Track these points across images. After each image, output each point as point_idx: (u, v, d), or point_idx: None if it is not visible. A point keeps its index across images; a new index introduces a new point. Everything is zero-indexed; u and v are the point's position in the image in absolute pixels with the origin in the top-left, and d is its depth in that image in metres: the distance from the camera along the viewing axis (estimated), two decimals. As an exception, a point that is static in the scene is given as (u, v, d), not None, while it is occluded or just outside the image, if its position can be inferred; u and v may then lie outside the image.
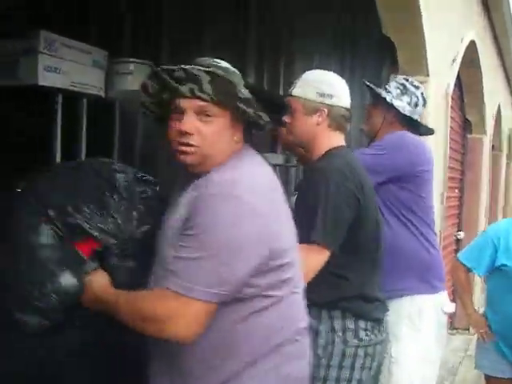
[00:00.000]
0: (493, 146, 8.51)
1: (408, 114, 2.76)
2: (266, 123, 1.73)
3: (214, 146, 1.65)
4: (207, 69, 1.61)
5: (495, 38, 7.71)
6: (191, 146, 1.62)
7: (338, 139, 2.22)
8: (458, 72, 5.08)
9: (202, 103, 1.63)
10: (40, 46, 3.12)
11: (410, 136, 2.76)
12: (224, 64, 1.73)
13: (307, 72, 2.28)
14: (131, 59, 3.88)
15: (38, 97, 3.42)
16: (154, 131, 3.47)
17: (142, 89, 1.73)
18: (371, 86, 2.82)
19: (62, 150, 3.41)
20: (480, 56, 6.25)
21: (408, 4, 3.17)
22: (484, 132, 7.17)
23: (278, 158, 4.01)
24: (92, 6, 4.68)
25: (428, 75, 3.44)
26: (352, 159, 2.21)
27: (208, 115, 1.64)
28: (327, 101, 2.17)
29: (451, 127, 5.03)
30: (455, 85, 5.17)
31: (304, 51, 4.19)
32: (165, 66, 1.64)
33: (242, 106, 1.65)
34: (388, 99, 2.73)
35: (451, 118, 4.84)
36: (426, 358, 2.73)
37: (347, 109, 2.23)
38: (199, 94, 1.61)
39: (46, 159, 3.36)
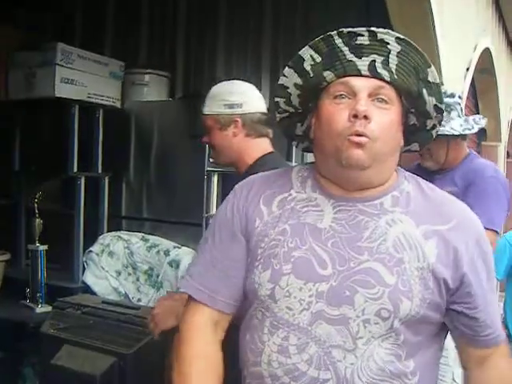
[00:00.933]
0: (507, 152, 8.48)
1: (467, 132, 2.65)
2: (433, 127, 1.38)
3: (388, 144, 1.28)
4: (397, 34, 1.25)
5: (510, 45, 7.70)
6: (367, 137, 1.23)
7: (262, 146, 2.14)
8: (473, 79, 5.09)
9: (381, 83, 1.26)
10: (57, 58, 3.18)
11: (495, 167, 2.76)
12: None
13: (213, 87, 2.20)
14: (147, 70, 3.93)
15: (56, 108, 3.48)
16: (170, 142, 3.55)
17: (292, 66, 1.31)
18: None
19: (79, 160, 3.47)
20: (495, 63, 6.25)
21: (421, 13, 3.19)
22: (499, 139, 7.16)
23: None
24: (109, 17, 4.77)
25: (442, 83, 3.45)
26: (281, 163, 2.14)
27: (384, 101, 1.27)
28: (238, 110, 2.09)
29: (465, 134, 5.03)
30: (469, 92, 5.18)
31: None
32: (343, 29, 1.25)
33: (425, 93, 1.29)
34: (449, 132, 2.58)
35: (465, 125, 4.84)
36: None
37: (263, 113, 2.14)
38: (381, 70, 1.25)
39: (64, 169, 3.42)
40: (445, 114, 2.38)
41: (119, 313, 2.80)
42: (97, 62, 3.46)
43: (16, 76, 3.29)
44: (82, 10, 4.88)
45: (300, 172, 1.42)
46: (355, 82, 1.25)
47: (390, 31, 1.23)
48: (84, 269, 3.47)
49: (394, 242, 1.28)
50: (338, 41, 1.25)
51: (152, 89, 3.89)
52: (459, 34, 4.07)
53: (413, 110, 1.34)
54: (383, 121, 1.25)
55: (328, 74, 1.28)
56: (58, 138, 3.49)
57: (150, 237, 3.47)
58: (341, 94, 1.27)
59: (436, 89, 1.28)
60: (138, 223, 3.68)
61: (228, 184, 3.40)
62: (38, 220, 3.39)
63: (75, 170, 3.40)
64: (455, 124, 2.60)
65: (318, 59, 1.28)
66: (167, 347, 2.60)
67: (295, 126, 1.44)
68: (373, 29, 1.23)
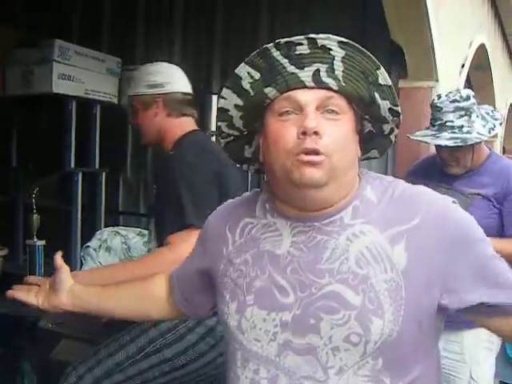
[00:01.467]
0: (504, 148, 8.51)
1: (493, 133, 2.59)
2: (391, 131, 1.26)
3: (345, 157, 1.17)
4: (340, 38, 1.14)
5: (506, 40, 7.73)
6: (320, 154, 1.13)
7: (185, 125, 2.15)
8: (468, 75, 5.11)
9: (329, 93, 1.16)
10: (54, 54, 3.19)
11: None
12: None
13: (137, 69, 2.25)
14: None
15: (54, 104, 3.49)
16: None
17: (230, 86, 1.20)
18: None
19: (76, 156, 3.48)
20: (490, 59, 6.27)
21: (416, 9, 3.20)
22: (495, 135, 7.18)
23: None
24: (106, 15, 4.78)
25: (437, 80, 3.47)
26: (205, 140, 2.18)
27: (335, 112, 1.17)
28: (160, 90, 2.11)
29: (461, 130, 5.05)
30: (465, 88, 5.20)
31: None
32: (280, 40, 1.14)
33: (378, 97, 1.19)
34: (479, 139, 2.51)
35: (461, 121, 4.86)
36: None
37: (185, 93, 2.16)
38: (327, 79, 1.15)
39: (61, 165, 3.44)
40: (466, 119, 2.39)
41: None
42: (94, 59, 3.47)
43: (14, 73, 3.30)
44: (80, 8, 4.90)
45: (264, 194, 1.32)
46: (300, 95, 1.15)
47: (330, 36, 1.13)
48: (82, 264, 3.48)
49: (357, 258, 1.17)
50: (276, 53, 1.14)
51: (149, 85, 3.90)
52: (455, 30, 4.10)
53: (367, 117, 1.24)
54: (336, 133, 1.14)
55: (270, 91, 1.17)
56: (56, 134, 3.49)
57: (147, 232, 3.48)
58: (287, 111, 1.16)
59: (388, 91, 1.17)
60: (135, 218, 3.71)
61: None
62: (35, 215, 3.39)
63: (72, 165, 3.41)
64: (479, 127, 2.54)
65: (257, 76, 1.17)
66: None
67: (243, 148, 1.32)
68: (312, 36, 1.12)
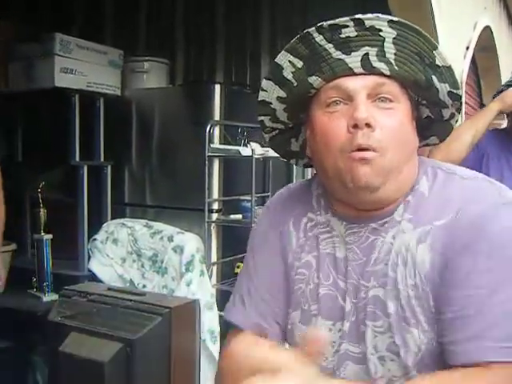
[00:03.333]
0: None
1: None
2: (452, 116, 1.15)
3: (401, 151, 1.07)
4: (390, 17, 1.03)
5: (511, 23, 7.67)
6: (373, 150, 1.03)
7: None
8: (474, 57, 5.07)
9: (380, 79, 1.06)
10: (56, 48, 3.19)
11: None
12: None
13: None
14: (146, 57, 3.93)
15: (57, 98, 3.49)
16: (171, 128, 3.56)
17: (271, 77, 1.12)
18: None
19: (81, 149, 3.48)
20: (496, 41, 6.23)
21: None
22: (502, 117, 7.13)
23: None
24: (108, 6, 4.78)
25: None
26: None
27: (388, 99, 1.06)
28: None
29: (467, 113, 5.03)
30: (472, 71, 5.17)
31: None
32: (323, 23, 1.04)
33: (436, 80, 1.07)
34: None
35: (466, 103, 4.85)
36: None
37: None
38: (378, 64, 1.05)
39: (65, 158, 3.44)
40: None
41: (124, 299, 2.81)
42: (96, 51, 3.46)
43: (16, 68, 3.31)
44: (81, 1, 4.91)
45: (317, 188, 1.24)
46: (349, 83, 1.05)
47: (379, 15, 1.02)
48: (89, 257, 3.50)
49: (393, 260, 1.08)
50: (319, 38, 1.04)
51: (152, 76, 3.90)
52: (457, 12, 4.06)
53: (424, 102, 1.13)
54: (391, 125, 1.04)
55: (315, 80, 1.08)
56: (60, 128, 3.49)
57: (153, 223, 3.49)
58: (334, 101, 1.07)
59: (448, 73, 1.06)
60: (141, 210, 3.71)
61: (229, 169, 3.44)
62: (42, 210, 3.41)
63: (77, 159, 3.41)
64: None
65: (300, 64, 1.08)
66: (172, 332, 2.65)
67: (289, 142, 1.25)
68: (358, 16, 1.02)
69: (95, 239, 3.50)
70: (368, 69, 1.05)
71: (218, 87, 3.38)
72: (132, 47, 4.51)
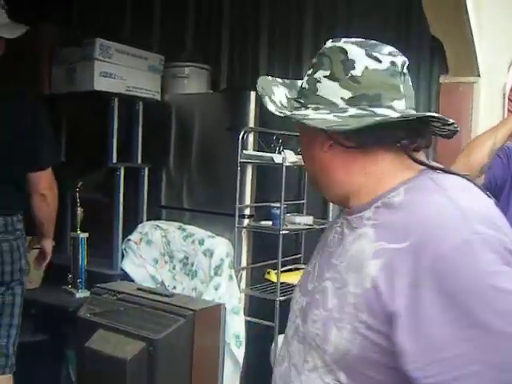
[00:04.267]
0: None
1: None
2: None
3: (312, 167, 1.27)
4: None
5: None
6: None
7: None
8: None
9: None
10: (95, 52, 3.29)
11: None
12: None
13: None
14: (187, 63, 4.01)
15: (98, 101, 3.60)
16: (209, 133, 3.61)
17: None
18: None
19: (120, 151, 3.57)
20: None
21: (454, 2, 3.13)
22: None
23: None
24: (156, 12, 4.88)
25: (479, 75, 3.40)
26: None
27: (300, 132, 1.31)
28: None
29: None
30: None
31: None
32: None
33: None
34: None
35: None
36: None
37: None
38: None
39: (104, 160, 3.54)
40: None
41: (152, 299, 2.88)
42: (136, 56, 3.55)
43: (59, 71, 3.42)
44: (130, 6, 5.03)
45: None
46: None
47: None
48: (123, 256, 3.58)
49: (349, 261, 1.12)
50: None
51: (192, 81, 3.97)
52: (499, 23, 3.98)
53: None
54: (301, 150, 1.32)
55: None
56: (100, 130, 3.60)
57: (187, 226, 3.55)
58: None
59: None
60: (176, 213, 3.77)
61: (264, 175, 3.46)
62: (79, 209, 3.52)
63: (115, 161, 3.50)
64: None
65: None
66: (195, 334, 2.69)
67: None
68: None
69: (129, 239, 3.58)
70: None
71: (253, 94, 3.42)
72: (177, 53, 4.59)
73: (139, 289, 3.08)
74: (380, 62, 1.18)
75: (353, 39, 1.23)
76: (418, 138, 1.20)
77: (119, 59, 3.42)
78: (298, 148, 3.70)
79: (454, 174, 1.19)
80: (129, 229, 3.64)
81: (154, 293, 3.00)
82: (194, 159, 3.71)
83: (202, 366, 2.80)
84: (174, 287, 3.44)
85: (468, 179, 1.17)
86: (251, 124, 3.40)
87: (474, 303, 0.96)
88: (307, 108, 1.22)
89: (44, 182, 2.92)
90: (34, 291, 3.58)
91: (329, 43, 1.24)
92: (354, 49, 1.19)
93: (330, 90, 1.19)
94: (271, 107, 1.23)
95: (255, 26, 4.65)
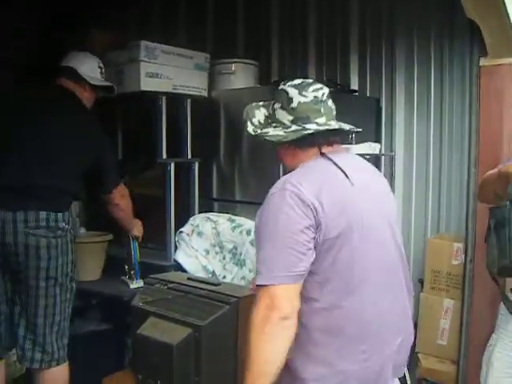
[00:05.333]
0: None
1: None
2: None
3: None
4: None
5: None
6: None
7: None
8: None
9: None
10: (141, 54, 3.43)
11: None
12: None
13: None
14: (233, 59, 4.12)
15: (147, 100, 3.75)
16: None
17: None
18: None
19: (170, 147, 3.71)
20: None
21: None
22: None
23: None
24: (210, 15, 5.04)
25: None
26: None
27: None
28: None
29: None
30: None
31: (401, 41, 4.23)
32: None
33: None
34: None
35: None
36: None
37: None
38: None
39: (153, 158, 3.69)
40: None
41: (200, 288, 3.00)
42: (181, 56, 3.68)
43: (108, 74, 3.58)
44: (184, 7, 5.20)
45: None
46: None
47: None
48: (176, 248, 3.73)
49: None
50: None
51: (239, 77, 4.08)
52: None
53: None
54: None
55: None
56: (151, 128, 3.75)
57: (236, 217, 3.66)
58: None
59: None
60: (227, 205, 3.89)
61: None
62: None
63: (164, 156, 3.65)
64: None
65: None
66: (239, 320, 2.78)
67: None
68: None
69: (182, 232, 3.72)
70: None
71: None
72: (228, 50, 4.73)
73: (189, 278, 3.21)
74: (307, 97, 2.01)
75: (294, 82, 2.08)
76: (331, 137, 2.05)
77: (165, 60, 3.55)
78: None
79: (330, 159, 1.97)
80: (182, 221, 3.78)
81: (203, 282, 3.12)
82: (243, 152, 3.82)
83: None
84: (224, 277, 3.56)
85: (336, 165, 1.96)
86: (293, 116, 3.47)
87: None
88: (271, 126, 2.08)
89: (115, 196, 3.32)
90: (94, 283, 3.78)
91: (280, 86, 2.10)
92: (292, 90, 2.03)
93: (281, 115, 2.05)
94: (249, 128, 2.14)
95: (303, 21, 4.71)
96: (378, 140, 4.20)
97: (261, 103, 2.17)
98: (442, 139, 4.09)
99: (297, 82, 2.06)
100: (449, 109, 4.03)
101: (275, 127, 2.05)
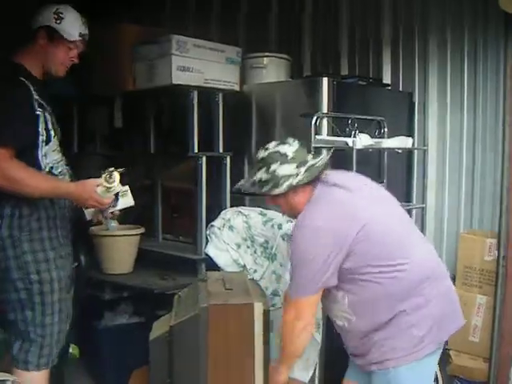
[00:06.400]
0: None
1: None
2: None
3: None
4: None
5: None
6: None
7: None
8: None
9: None
10: (172, 48, 3.44)
11: None
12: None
13: None
14: (265, 53, 4.12)
15: (177, 93, 3.78)
16: (287, 122, 3.71)
17: None
18: None
19: (202, 141, 3.73)
20: None
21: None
22: None
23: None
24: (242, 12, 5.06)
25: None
26: None
27: None
28: None
29: None
30: None
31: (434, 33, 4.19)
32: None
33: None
34: None
35: None
36: None
37: None
38: None
39: (184, 151, 3.72)
40: None
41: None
42: (212, 50, 3.68)
43: (140, 68, 3.60)
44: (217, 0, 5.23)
45: None
46: None
47: None
48: (207, 242, 3.75)
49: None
50: None
51: (271, 71, 4.08)
52: None
53: None
54: None
55: None
56: (183, 122, 3.78)
57: (267, 211, 3.65)
58: None
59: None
60: (259, 199, 3.88)
61: (338, 159, 3.51)
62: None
63: (195, 150, 3.66)
64: None
65: None
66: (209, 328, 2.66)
67: None
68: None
69: (213, 225, 3.73)
70: None
71: (325, 80, 3.49)
72: (261, 45, 4.74)
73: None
74: (293, 146, 2.51)
75: (270, 146, 2.54)
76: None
77: (196, 53, 3.56)
78: (373, 131, 3.76)
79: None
80: (213, 215, 3.79)
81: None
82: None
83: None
84: (255, 270, 3.57)
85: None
86: (324, 109, 3.47)
87: None
88: (280, 184, 2.45)
89: None
90: (127, 276, 3.83)
91: (261, 155, 2.56)
92: (281, 148, 2.49)
93: (285, 169, 2.44)
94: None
95: (336, 15, 4.71)
96: (410, 134, 4.16)
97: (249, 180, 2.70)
98: (476, 134, 4.04)
99: (271, 145, 2.54)
100: (482, 103, 3.97)
101: (284, 181, 2.44)
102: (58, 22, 2.82)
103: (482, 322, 3.71)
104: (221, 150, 3.89)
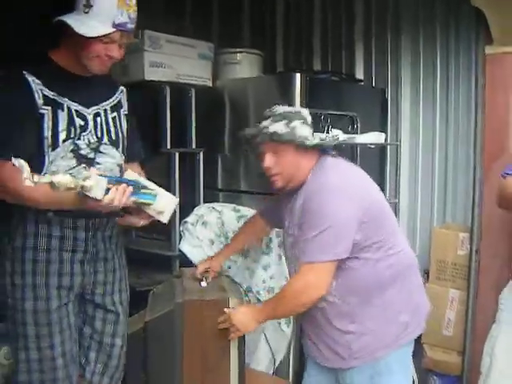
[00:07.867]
0: None
1: None
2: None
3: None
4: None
5: None
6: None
7: None
8: None
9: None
10: (145, 44, 3.43)
11: None
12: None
13: None
14: (238, 49, 4.11)
15: (152, 90, 3.75)
16: (259, 118, 3.68)
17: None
18: None
19: (175, 137, 3.71)
20: None
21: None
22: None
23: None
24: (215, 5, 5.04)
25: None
26: None
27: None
28: None
29: None
30: None
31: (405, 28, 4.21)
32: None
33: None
34: None
35: None
36: None
37: None
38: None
39: (157, 148, 3.69)
40: None
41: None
42: (185, 45, 3.67)
43: (114, 65, 3.56)
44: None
45: None
46: None
47: None
48: (181, 238, 3.73)
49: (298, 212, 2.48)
50: None
51: (244, 67, 4.07)
52: None
53: None
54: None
55: None
56: (155, 117, 3.75)
57: (240, 207, 3.65)
58: None
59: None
60: (234, 195, 3.89)
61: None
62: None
63: (168, 146, 3.65)
64: None
65: None
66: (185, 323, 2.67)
67: None
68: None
69: (186, 222, 3.71)
70: None
71: (298, 76, 3.48)
72: (234, 40, 4.72)
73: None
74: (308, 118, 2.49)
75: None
76: None
77: (169, 49, 3.55)
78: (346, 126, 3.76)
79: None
80: (187, 212, 3.77)
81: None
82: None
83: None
84: (229, 267, 3.55)
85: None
86: (297, 105, 3.46)
87: None
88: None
89: None
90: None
91: (287, 110, 2.46)
92: (303, 111, 2.52)
93: (305, 130, 2.40)
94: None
95: (308, 11, 4.71)
96: (383, 130, 4.18)
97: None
98: (448, 128, 4.07)
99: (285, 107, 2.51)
100: (455, 98, 4.00)
101: (302, 140, 2.38)
102: (87, 10, 2.22)
103: (455, 316, 3.74)
104: (194, 146, 3.87)
